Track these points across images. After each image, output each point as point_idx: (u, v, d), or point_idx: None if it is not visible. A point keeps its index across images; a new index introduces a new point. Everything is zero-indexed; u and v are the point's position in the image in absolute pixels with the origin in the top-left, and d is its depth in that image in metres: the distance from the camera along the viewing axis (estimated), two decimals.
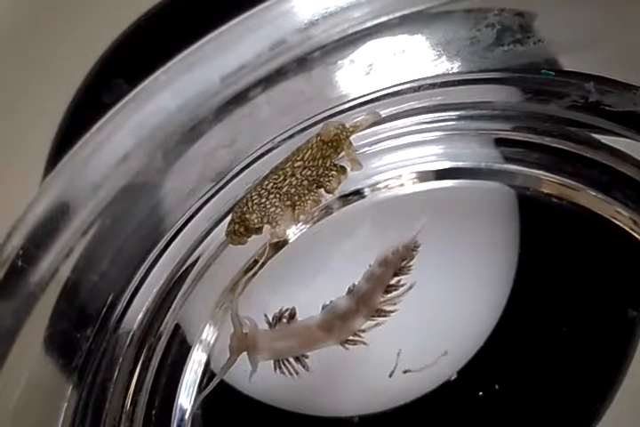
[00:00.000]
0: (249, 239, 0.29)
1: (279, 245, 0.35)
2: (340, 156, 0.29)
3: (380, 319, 0.29)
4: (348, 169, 0.29)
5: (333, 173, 0.28)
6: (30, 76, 0.39)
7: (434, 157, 0.36)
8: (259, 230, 0.29)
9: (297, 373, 0.29)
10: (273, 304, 0.31)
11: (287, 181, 0.28)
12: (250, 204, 0.28)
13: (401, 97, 0.32)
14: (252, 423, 0.34)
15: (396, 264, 0.29)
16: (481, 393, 0.33)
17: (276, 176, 0.28)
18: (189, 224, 0.31)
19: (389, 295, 0.29)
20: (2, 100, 0.38)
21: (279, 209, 0.28)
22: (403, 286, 0.30)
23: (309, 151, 0.28)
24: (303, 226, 0.35)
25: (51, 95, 0.39)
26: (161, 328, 0.32)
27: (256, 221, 0.28)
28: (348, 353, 0.31)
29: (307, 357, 0.29)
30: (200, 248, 0.32)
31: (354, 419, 0.34)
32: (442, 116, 0.34)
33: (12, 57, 0.40)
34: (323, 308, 0.29)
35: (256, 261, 0.34)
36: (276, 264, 0.35)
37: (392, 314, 0.29)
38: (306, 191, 0.28)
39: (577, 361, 0.34)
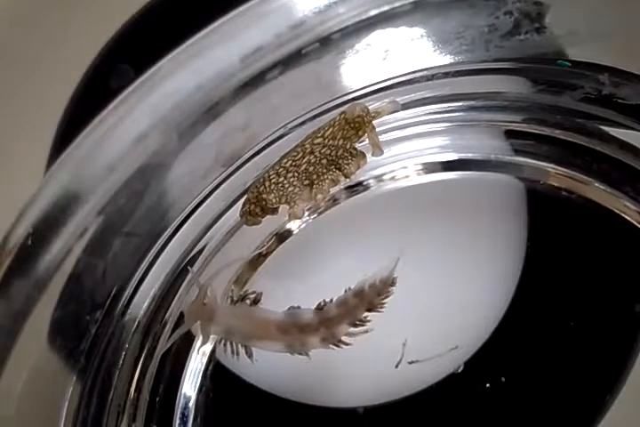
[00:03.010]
0: (263, 220, 0.29)
1: (283, 237, 0.35)
2: (361, 140, 0.28)
3: (334, 347, 0.29)
4: (368, 155, 0.29)
5: (353, 156, 0.28)
6: (36, 62, 0.39)
7: (441, 148, 0.36)
8: (275, 211, 0.28)
9: (238, 355, 0.28)
10: (274, 295, 0.31)
11: (306, 159, 0.27)
12: (267, 183, 0.27)
13: (413, 86, 0.32)
14: (256, 412, 0.34)
15: (370, 299, 0.28)
16: (488, 385, 0.33)
17: (295, 153, 0.28)
18: (198, 211, 0.30)
19: (353, 330, 0.28)
20: (6, 86, 0.38)
21: (297, 189, 0.28)
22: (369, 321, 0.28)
23: (331, 129, 0.27)
24: (308, 217, 0.35)
25: (56, 81, 0.38)
26: (166, 315, 0.31)
27: (274, 200, 0.27)
28: (353, 343, 0.31)
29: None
30: (208, 235, 0.32)
31: (359, 410, 0.34)
32: (452, 107, 0.34)
33: (17, 42, 0.39)
34: (318, 305, 0.29)
35: (260, 253, 0.34)
36: (279, 255, 0.34)
37: (345, 347, 0.29)
38: (324, 170, 0.28)
39: (584, 354, 0.34)
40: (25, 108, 0.37)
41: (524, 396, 0.34)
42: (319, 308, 0.28)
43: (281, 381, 0.34)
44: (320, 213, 0.35)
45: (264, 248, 0.34)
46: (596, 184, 0.34)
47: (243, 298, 0.29)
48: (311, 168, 0.28)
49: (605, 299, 0.34)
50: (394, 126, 0.34)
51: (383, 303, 0.29)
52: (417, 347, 0.34)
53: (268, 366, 0.33)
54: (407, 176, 0.35)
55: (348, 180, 0.29)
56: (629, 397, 0.32)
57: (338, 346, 0.29)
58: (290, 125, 0.29)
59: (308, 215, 0.35)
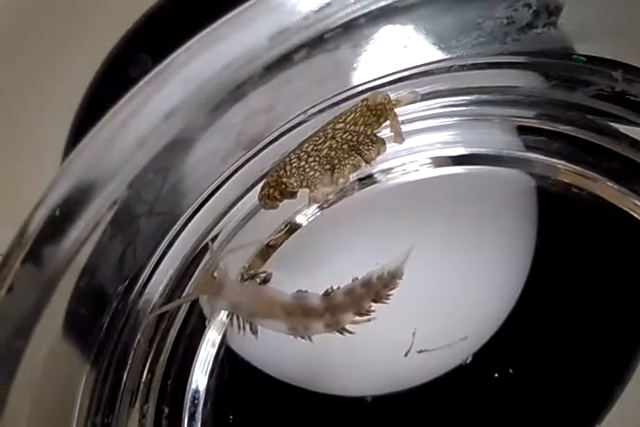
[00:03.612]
0: (280, 204, 0.29)
1: (292, 229, 0.35)
2: (382, 127, 0.29)
3: (337, 334, 0.29)
4: (388, 144, 0.29)
5: (373, 143, 0.28)
6: (53, 51, 0.39)
7: (452, 142, 0.36)
8: (294, 195, 0.29)
9: (244, 330, 0.29)
10: (283, 287, 0.31)
11: (327, 144, 0.28)
12: (288, 167, 0.28)
13: (430, 77, 0.32)
14: (265, 399, 0.34)
15: (377, 290, 0.29)
16: (496, 375, 0.33)
17: (317, 138, 0.28)
18: (216, 194, 0.31)
19: (357, 318, 0.29)
20: (27, 73, 0.38)
21: (318, 173, 0.28)
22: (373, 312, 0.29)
23: (352, 114, 0.28)
24: (317, 210, 0.35)
25: (73, 70, 0.39)
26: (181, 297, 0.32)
27: (295, 184, 0.28)
28: (362, 331, 0.31)
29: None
30: (225, 218, 0.32)
31: (367, 398, 0.34)
32: (465, 100, 0.34)
33: (37, 30, 0.40)
34: (326, 291, 0.29)
35: (269, 245, 0.34)
36: (288, 247, 0.35)
37: (347, 335, 0.29)
38: (346, 155, 0.28)
39: (591, 348, 0.34)
40: (48, 92, 0.37)
41: (532, 388, 0.34)
42: (326, 294, 0.29)
43: (290, 368, 0.34)
44: (329, 206, 0.35)
45: (273, 240, 0.35)
46: (606, 182, 0.34)
47: (253, 276, 0.29)
48: (332, 153, 0.28)
49: (614, 294, 0.34)
50: (405, 119, 0.34)
51: (389, 295, 0.29)
52: (427, 337, 0.34)
53: (278, 353, 0.33)
54: (417, 170, 0.35)
55: (368, 166, 0.29)
56: (638, 388, 0.33)
57: (341, 333, 0.29)
58: (310, 112, 0.29)
59: (317, 208, 0.35)
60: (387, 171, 0.35)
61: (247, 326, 0.29)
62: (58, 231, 0.22)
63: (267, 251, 0.35)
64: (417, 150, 0.36)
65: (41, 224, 0.21)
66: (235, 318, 0.29)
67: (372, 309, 0.29)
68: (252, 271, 0.29)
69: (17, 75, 0.39)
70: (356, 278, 0.29)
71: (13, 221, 0.22)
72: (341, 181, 0.29)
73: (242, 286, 0.29)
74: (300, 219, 0.35)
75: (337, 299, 0.29)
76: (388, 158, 0.35)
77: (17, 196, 0.29)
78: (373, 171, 0.35)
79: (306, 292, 0.29)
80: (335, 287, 0.29)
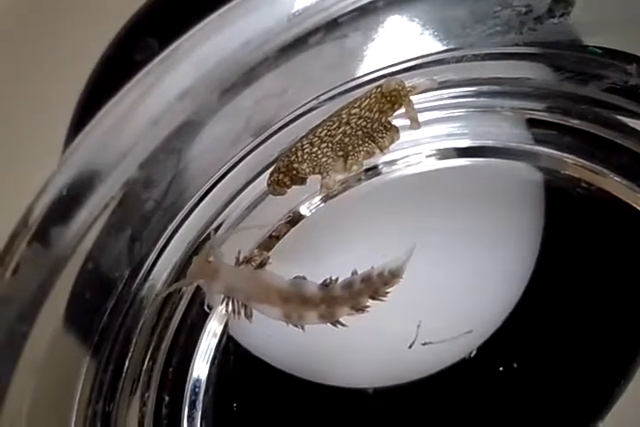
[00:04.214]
0: (289, 190, 0.28)
1: (295, 220, 0.35)
2: (397, 114, 0.28)
3: (330, 326, 0.28)
4: (405, 132, 0.29)
5: (387, 130, 0.28)
6: (59, 35, 0.38)
7: (460, 134, 0.35)
8: (303, 181, 0.28)
9: (239, 315, 0.28)
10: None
11: (341, 129, 0.27)
12: (299, 153, 0.27)
13: (442, 66, 0.32)
14: (265, 388, 0.34)
15: (376, 287, 0.28)
16: (501, 369, 0.33)
17: (330, 123, 0.28)
18: (223, 181, 0.30)
19: (355, 313, 0.28)
20: (31, 58, 0.38)
21: (330, 159, 0.28)
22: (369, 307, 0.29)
23: (367, 100, 0.27)
24: (320, 201, 0.35)
25: (80, 53, 0.38)
26: (184, 288, 0.31)
27: (307, 170, 0.27)
28: (366, 323, 0.31)
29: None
30: (230, 206, 0.32)
31: (369, 390, 0.34)
32: (474, 91, 0.34)
33: (39, 13, 0.39)
34: (324, 281, 0.29)
35: (271, 236, 0.34)
36: (290, 239, 0.34)
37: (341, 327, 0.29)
38: (360, 142, 0.28)
39: (595, 343, 0.34)
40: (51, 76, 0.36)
41: (535, 382, 0.34)
42: (325, 284, 0.28)
43: (292, 358, 0.34)
44: (333, 197, 0.35)
45: (275, 231, 0.34)
46: (615, 177, 0.34)
47: (249, 260, 0.28)
48: (346, 139, 0.28)
49: (619, 290, 0.34)
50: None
51: (387, 293, 0.28)
52: (431, 330, 0.34)
53: (280, 343, 0.33)
54: (422, 162, 0.35)
55: (381, 153, 0.29)
56: None
57: (334, 326, 0.28)
58: (322, 98, 0.29)
59: (321, 200, 0.35)
60: (391, 162, 0.35)
61: (242, 311, 0.28)
62: (66, 212, 0.21)
63: (269, 242, 0.34)
64: (422, 142, 0.35)
65: (49, 204, 0.21)
66: (230, 302, 0.28)
67: (369, 305, 0.28)
68: (247, 255, 0.29)
69: (22, 57, 0.38)
70: (356, 272, 0.28)
71: (19, 204, 0.21)
72: (355, 168, 0.28)
73: (237, 269, 0.28)
74: (304, 210, 0.35)
75: (335, 291, 0.28)
76: (393, 150, 0.34)
77: (22, 177, 0.29)
78: (378, 162, 0.35)
79: (304, 279, 0.29)
80: (334, 278, 0.29)
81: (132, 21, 0.38)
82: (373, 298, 0.28)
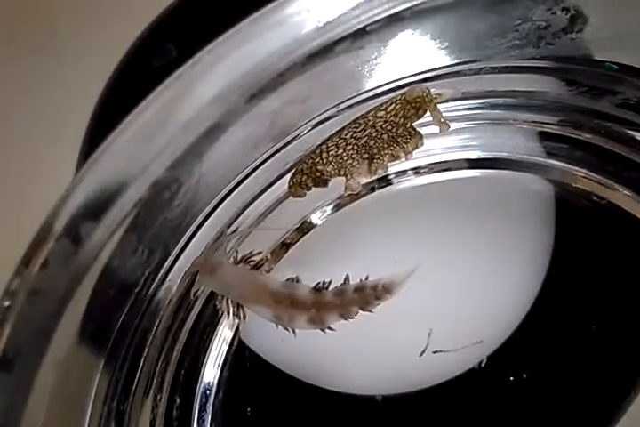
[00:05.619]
0: (308, 193, 0.29)
1: (306, 228, 0.35)
2: (421, 120, 0.29)
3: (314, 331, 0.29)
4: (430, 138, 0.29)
5: (411, 136, 0.28)
6: (78, 41, 0.39)
7: (472, 146, 0.36)
8: (326, 184, 0.29)
9: (234, 315, 0.29)
10: None
11: (367, 132, 0.28)
12: (324, 155, 0.28)
13: (460, 78, 0.32)
14: (275, 394, 0.34)
15: (368, 299, 0.29)
16: (511, 378, 0.33)
17: (357, 125, 0.28)
18: (241, 186, 0.30)
19: (342, 321, 0.29)
20: (47, 63, 0.38)
21: (355, 162, 0.28)
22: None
23: (393, 105, 0.28)
24: (329, 211, 0.35)
25: (98, 58, 0.39)
26: (199, 290, 0.32)
27: (332, 173, 0.28)
28: (376, 330, 0.31)
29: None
30: (246, 212, 0.32)
31: (377, 397, 0.34)
32: (488, 104, 0.34)
33: (58, 17, 0.40)
34: (316, 284, 0.29)
35: (283, 243, 0.34)
36: (301, 246, 0.34)
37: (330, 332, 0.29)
38: (385, 145, 0.28)
39: (605, 355, 0.34)
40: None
41: (545, 393, 0.34)
42: (317, 288, 0.28)
43: (302, 364, 0.34)
44: (342, 207, 0.35)
45: (287, 238, 0.34)
46: (625, 191, 0.34)
47: (247, 260, 0.29)
48: (372, 142, 0.28)
49: (630, 302, 0.34)
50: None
51: (376, 306, 0.29)
52: (442, 338, 0.34)
53: (291, 349, 0.33)
54: (432, 172, 0.35)
55: (404, 158, 0.29)
56: None
57: (322, 331, 0.29)
58: (341, 106, 0.29)
59: (332, 209, 0.35)
60: (402, 173, 0.35)
61: (235, 311, 0.29)
62: (95, 211, 0.22)
63: (280, 249, 0.35)
64: (434, 153, 0.36)
65: (81, 199, 0.21)
66: (224, 301, 0.29)
67: (357, 315, 0.29)
68: (245, 254, 0.29)
69: (40, 63, 0.39)
70: (347, 278, 0.29)
71: (48, 202, 0.21)
72: (380, 171, 0.29)
73: (236, 268, 0.29)
74: (315, 218, 0.35)
75: (326, 297, 0.29)
76: (404, 160, 0.35)
77: (55, 175, 0.29)
78: (388, 172, 0.35)
79: (297, 281, 0.29)
80: (328, 281, 0.29)
81: (154, 27, 0.38)
82: (363, 309, 0.28)
